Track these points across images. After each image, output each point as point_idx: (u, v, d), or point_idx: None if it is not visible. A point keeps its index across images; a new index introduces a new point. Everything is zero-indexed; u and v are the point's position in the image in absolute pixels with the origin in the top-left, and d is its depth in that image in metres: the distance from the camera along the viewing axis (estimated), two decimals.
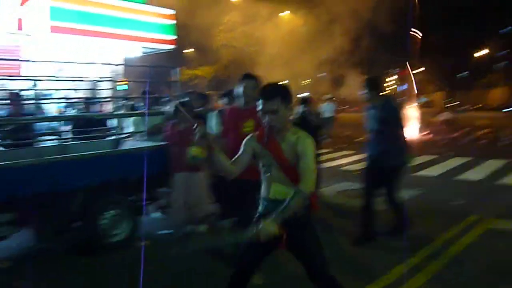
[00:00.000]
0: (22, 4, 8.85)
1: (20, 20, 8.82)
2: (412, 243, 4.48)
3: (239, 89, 4.04)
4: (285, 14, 23.84)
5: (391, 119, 4.71)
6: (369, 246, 4.71)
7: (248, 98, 3.99)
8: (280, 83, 2.74)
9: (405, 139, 4.82)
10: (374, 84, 4.85)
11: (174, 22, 11.58)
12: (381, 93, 4.90)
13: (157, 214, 5.85)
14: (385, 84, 60.13)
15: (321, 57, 21.83)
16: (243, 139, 3.83)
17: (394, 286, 3.70)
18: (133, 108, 6.90)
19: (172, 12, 11.61)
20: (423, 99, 50.02)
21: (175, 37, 11.64)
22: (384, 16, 19.93)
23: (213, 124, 5.23)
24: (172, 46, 11.67)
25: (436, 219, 5.60)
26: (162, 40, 11.38)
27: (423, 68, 48.88)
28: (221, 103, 5.91)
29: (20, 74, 8.85)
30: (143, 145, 5.34)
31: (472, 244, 4.79)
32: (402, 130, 4.81)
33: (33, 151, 4.91)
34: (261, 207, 2.71)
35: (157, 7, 11.26)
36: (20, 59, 9.47)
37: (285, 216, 2.45)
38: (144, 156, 4.56)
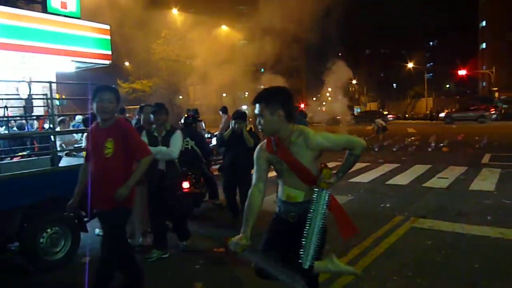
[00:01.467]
0: None
1: None
2: (344, 243, 4.79)
3: (94, 105, 3.49)
4: (223, 28, 24.26)
5: None
6: None
7: (105, 115, 3.49)
8: (274, 87, 2.72)
9: None
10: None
11: (109, 37, 11.46)
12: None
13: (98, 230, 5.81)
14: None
15: (255, 69, 22.22)
16: (106, 162, 3.46)
17: (327, 283, 3.98)
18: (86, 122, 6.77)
19: (107, 27, 11.48)
20: (358, 109, 52.58)
21: (110, 52, 11.52)
22: (316, 30, 20.75)
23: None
24: (107, 62, 11.53)
25: (365, 221, 5.96)
26: (97, 55, 11.22)
27: (355, 81, 51.50)
28: None
29: None
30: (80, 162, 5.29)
31: (397, 242, 5.26)
32: None
33: None
34: (277, 208, 2.85)
35: (92, 22, 11.10)
36: None
37: (346, 172, 2.76)
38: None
